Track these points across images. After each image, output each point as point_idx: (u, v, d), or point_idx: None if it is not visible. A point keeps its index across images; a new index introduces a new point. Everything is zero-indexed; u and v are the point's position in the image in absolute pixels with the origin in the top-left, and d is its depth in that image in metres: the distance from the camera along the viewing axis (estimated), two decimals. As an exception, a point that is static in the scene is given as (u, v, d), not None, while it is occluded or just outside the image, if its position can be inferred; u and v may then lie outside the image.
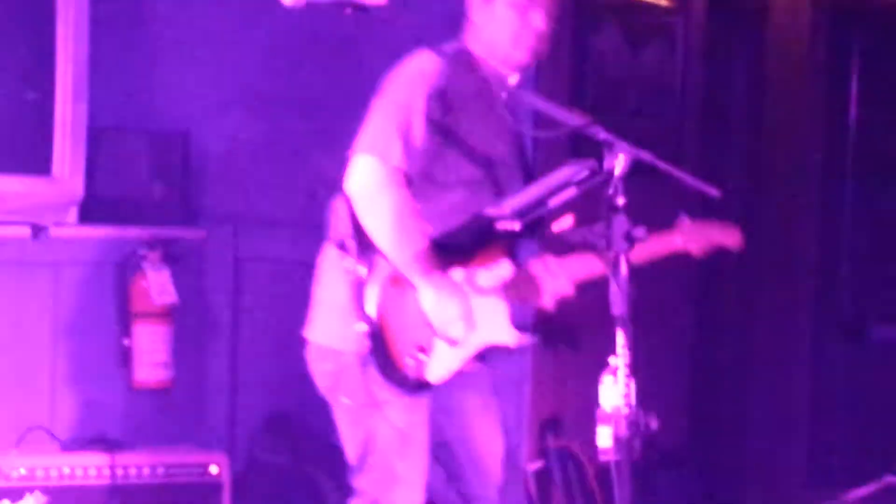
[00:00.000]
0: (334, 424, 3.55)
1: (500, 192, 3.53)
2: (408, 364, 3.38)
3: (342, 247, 3.41)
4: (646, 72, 5.66)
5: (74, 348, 4.60)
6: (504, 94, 3.51)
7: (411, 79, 3.43)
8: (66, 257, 4.56)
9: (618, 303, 2.99)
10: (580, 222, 3.27)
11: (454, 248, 3.47)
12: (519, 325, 3.54)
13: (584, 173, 3.15)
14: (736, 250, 3.69)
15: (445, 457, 3.68)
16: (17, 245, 4.41)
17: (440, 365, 3.44)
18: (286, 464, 4.76)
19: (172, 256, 4.64)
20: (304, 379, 3.56)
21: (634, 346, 2.99)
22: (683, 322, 5.98)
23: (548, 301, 3.58)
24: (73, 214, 4.48)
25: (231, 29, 4.87)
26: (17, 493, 4.20)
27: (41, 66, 4.32)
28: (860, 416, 5.96)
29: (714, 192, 3.08)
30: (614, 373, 2.99)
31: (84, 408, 4.60)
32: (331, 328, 3.50)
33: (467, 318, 3.41)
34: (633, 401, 2.99)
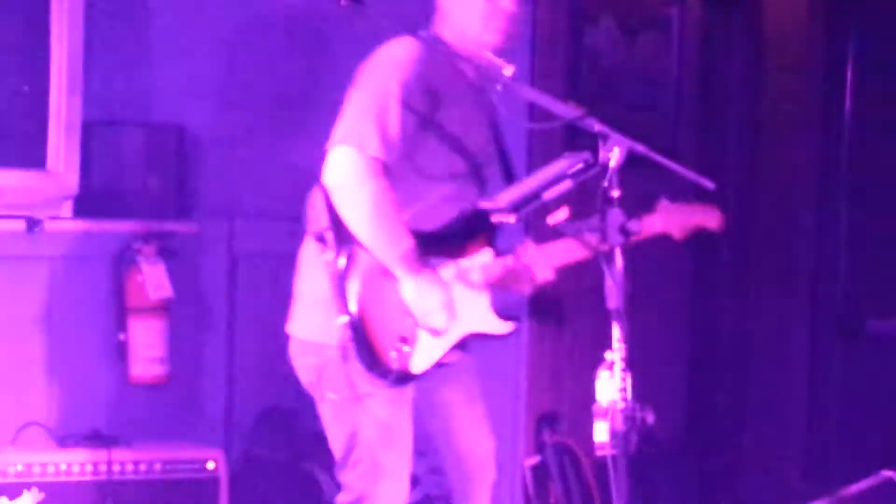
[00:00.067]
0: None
1: (482, 184, 3.52)
2: (391, 356, 3.36)
3: (321, 239, 3.39)
4: (641, 64, 5.66)
5: (69, 343, 4.58)
6: (484, 83, 3.50)
7: (386, 66, 3.41)
8: (61, 251, 4.54)
9: (613, 297, 2.99)
10: (575, 215, 3.27)
11: (439, 240, 3.46)
12: (501, 313, 3.54)
13: (579, 166, 3.14)
14: (717, 231, 3.68)
15: (427, 449, 3.67)
16: (11, 239, 4.39)
17: (423, 356, 3.43)
18: (283, 459, 4.75)
19: (168, 250, 4.62)
20: (300, 374, 3.55)
21: (630, 341, 2.99)
22: (680, 317, 5.97)
23: (528, 288, 3.58)
24: (67, 208, 4.46)
25: (227, 22, 4.85)
26: (13, 490, 4.19)
27: (35, 60, 4.30)
28: (857, 411, 5.96)
29: (709, 184, 3.07)
30: (610, 367, 2.99)
31: (80, 403, 4.58)
32: (312, 322, 3.48)
33: (449, 308, 3.40)
34: (630, 395, 2.99)
